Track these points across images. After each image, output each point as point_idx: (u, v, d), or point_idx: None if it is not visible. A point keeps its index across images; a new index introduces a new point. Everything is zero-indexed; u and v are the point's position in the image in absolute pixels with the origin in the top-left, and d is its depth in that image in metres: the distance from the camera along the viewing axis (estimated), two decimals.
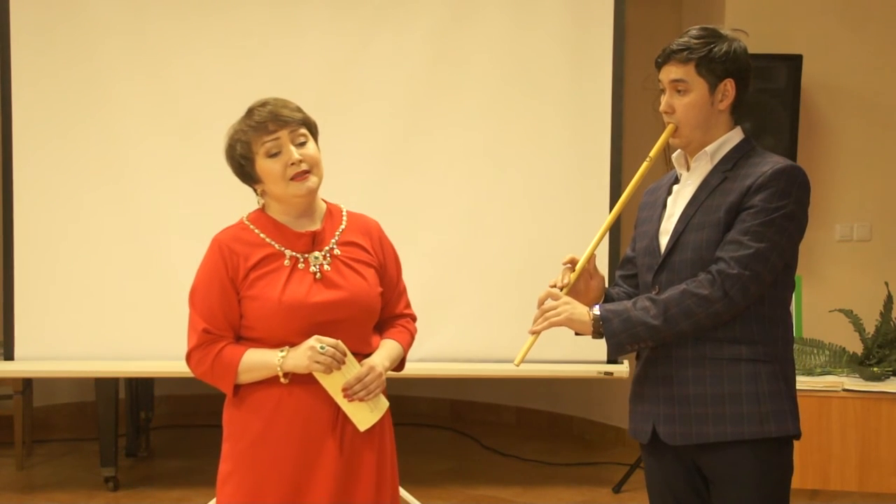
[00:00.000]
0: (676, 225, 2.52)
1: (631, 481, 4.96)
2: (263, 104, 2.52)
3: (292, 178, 2.49)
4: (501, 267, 4.63)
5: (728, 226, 2.43)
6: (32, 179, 4.54)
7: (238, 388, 2.52)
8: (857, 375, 4.35)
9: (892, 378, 4.34)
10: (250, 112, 2.53)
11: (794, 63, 4.79)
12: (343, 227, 2.61)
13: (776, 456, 2.46)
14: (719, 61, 2.49)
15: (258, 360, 2.48)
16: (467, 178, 4.61)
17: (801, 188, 2.44)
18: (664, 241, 2.54)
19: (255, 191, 2.60)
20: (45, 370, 4.67)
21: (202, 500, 4.53)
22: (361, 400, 2.49)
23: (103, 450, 4.82)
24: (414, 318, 2.74)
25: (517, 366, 2.60)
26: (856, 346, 4.51)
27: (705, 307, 2.40)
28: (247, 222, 2.59)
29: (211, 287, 2.52)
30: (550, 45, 4.60)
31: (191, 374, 5.06)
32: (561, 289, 2.54)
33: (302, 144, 2.51)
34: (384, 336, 2.64)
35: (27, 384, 5.25)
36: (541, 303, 2.54)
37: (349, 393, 2.48)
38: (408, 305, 2.73)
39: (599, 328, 2.49)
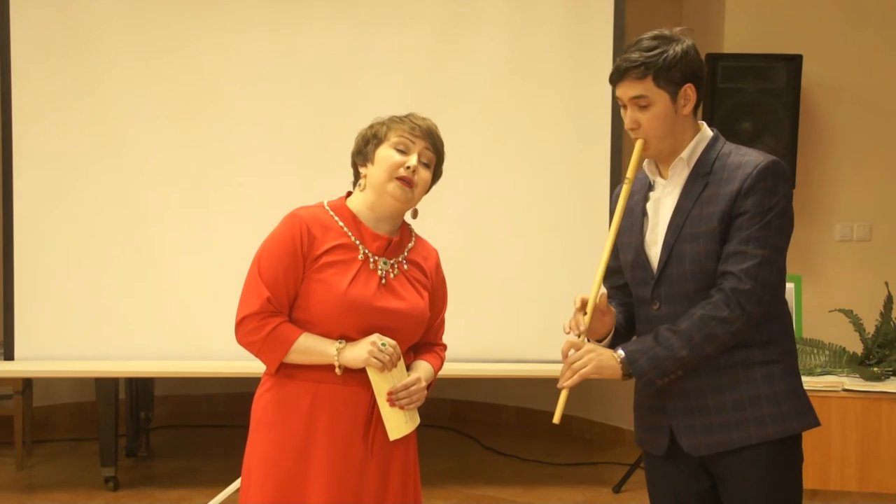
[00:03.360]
0: (667, 236, 2.48)
1: (631, 481, 4.96)
2: (425, 118, 2.64)
3: (397, 178, 2.53)
4: (501, 267, 4.63)
5: (724, 234, 2.41)
6: (32, 179, 4.54)
7: (280, 366, 2.53)
8: (857, 375, 4.35)
9: (892, 378, 4.34)
10: (411, 114, 2.64)
11: (794, 63, 4.79)
12: (411, 245, 2.66)
13: (791, 451, 2.48)
14: (676, 69, 2.43)
15: (314, 346, 2.50)
16: (467, 177, 4.60)
17: (785, 182, 2.43)
18: (653, 252, 2.51)
19: (356, 175, 2.63)
20: (45, 370, 4.67)
21: (202, 500, 4.53)
22: (402, 408, 2.52)
23: (103, 450, 4.81)
24: (445, 348, 2.77)
25: (557, 423, 2.51)
26: (856, 346, 4.51)
27: (726, 328, 2.38)
28: (327, 208, 2.60)
29: (282, 257, 2.51)
30: (551, 45, 4.61)
31: (191, 374, 5.10)
32: (578, 336, 2.49)
33: (425, 165, 2.58)
34: (421, 357, 2.67)
35: (27, 384, 5.24)
36: (564, 355, 2.49)
37: (393, 398, 2.51)
38: (442, 336, 2.76)
39: (628, 370, 2.44)
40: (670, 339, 2.42)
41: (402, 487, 2.59)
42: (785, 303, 2.53)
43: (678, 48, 2.44)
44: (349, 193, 2.65)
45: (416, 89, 4.55)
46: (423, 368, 2.62)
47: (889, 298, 4.50)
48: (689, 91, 2.45)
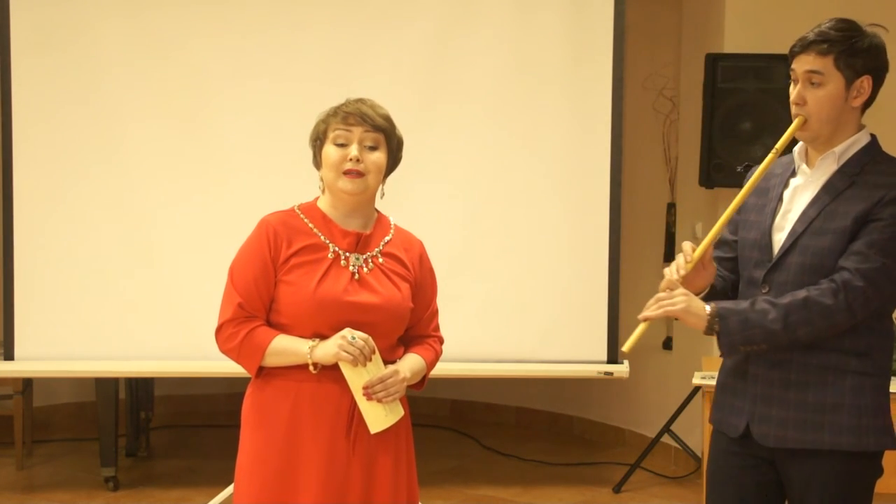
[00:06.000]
0: (795, 225, 2.46)
1: (631, 481, 4.97)
2: (358, 100, 2.59)
3: (344, 173, 2.53)
4: (501, 267, 4.62)
5: (853, 235, 2.39)
6: (32, 179, 4.53)
7: (261, 370, 2.55)
8: None
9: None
10: (344, 102, 2.60)
11: None
12: (389, 238, 2.65)
13: (867, 466, 2.45)
14: (859, 56, 2.42)
15: (288, 346, 2.51)
16: (467, 177, 4.61)
17: None
18: (778, 237, 2.49)
19: (320, 178, 2.65)
20: (45, 370, 4.67)
21: (202, 499, 4.53)
22: (379, 401, 2.51)
23: (103, 450, 4.82)
24: (441, 341, 2.76)
25: (626, 351, 2.48)
26: None
27: (827, 317, 2.36)
28: (297, 211, 2.62)
29: (252, 264, 2.55)
30: (550, 45, 4.60)
31: (191, 374, 5.11)
32: (677, 279, 2.47)
33: (370, 149, 2.56)
34: (411, 350, 2.66)
35: (27, 384, 5.24)
36: (661, 290, 2.46)
37: (369, 392, 2.50)
38: (437, 328, 2.75)
39: (714, 325, 2.41)
40: (767, 309, 2.39)
41: (392, 485, 2.57)
42: (892, 323, 2.51)
43: (869, 39, 2.44)
44: None
45: (417, 88, 4.55)
46: (407, 361, 2.62)
47: None
48: (864, 83, 2.45)
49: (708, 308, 2.42)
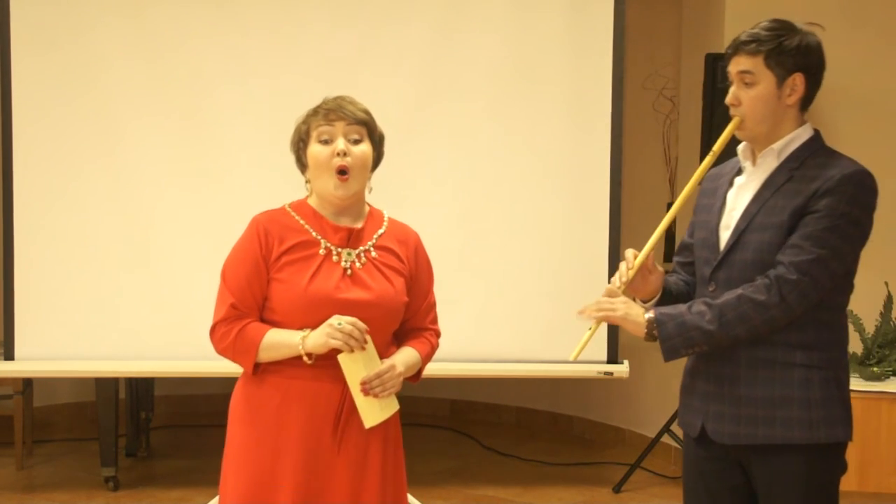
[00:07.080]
0: (738, 222, 2.49)
1: (631, 481, 4.96)
2: (335, 97, 2.61)
3: (336, 173, 2.54)
4: (501, 267, 4.63)
5: (791, 229, 2.40)
6: (32, 179, 4.54)
7: (258, 366, 2.56)
8: (857, 375, 4.36)
9: (892, 378, 4.35)
10: (322, 101, 2.62)
11: None
12: (382, 231, 2.65)
13: (826, 459, 2.46)
14: (789, 54, 2.44)
15: (280, 339, 2.52)
16: (467, 177, 4.61)
17: (868, 194, 2.43)
18: (725, 236, 2.52)
19: (306, 181, 2.66)
20: (45, 370, 4.67)
21: (202, 499, 4.53)
22: (376, 396, 2.51)
23: (103, 450, 4.82)
24: (438, 334, 2.76)
25: (574, 360, 2.55)
26: (856, 346, 4.51)
27: (761, 313, 2.38)
28: (288, 209, 2.64)
29: (244, 263, 2.56)
30: (550, 46, 4.60)
31: (191, 374, 5.12)
32: (619, 287, 2.52)
33: (355, 142, 2.57)
34: (405, 344, 2.66)
35: (27, 384, 5.24)
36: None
37: (366, 387, 2.50)
38: (434, 321, 2.75)
39: (653, 331, 2.45)
40: (703, 310, 2.42)
41: (380, 480, 2.58)
42: (843, 314, 2.53)
43: (799, 38, 2.46)
44: None
45: (416, 87, 4.55)
46: (402, 355, 2.62)
47: (889, 298, 4.51)
48: (797, 80, 2.46)
49: (647, 315, 2.46)
